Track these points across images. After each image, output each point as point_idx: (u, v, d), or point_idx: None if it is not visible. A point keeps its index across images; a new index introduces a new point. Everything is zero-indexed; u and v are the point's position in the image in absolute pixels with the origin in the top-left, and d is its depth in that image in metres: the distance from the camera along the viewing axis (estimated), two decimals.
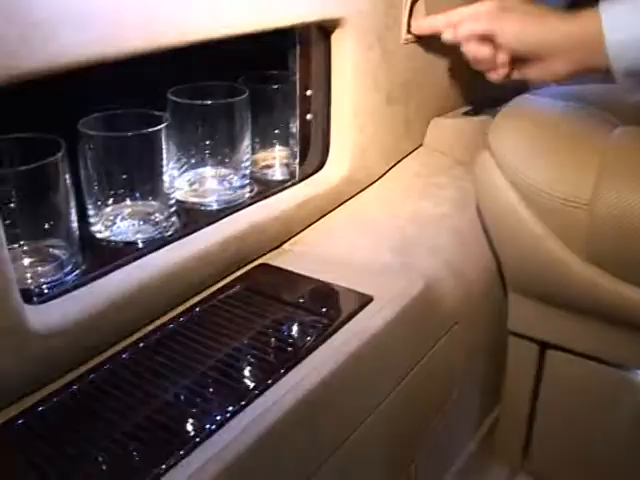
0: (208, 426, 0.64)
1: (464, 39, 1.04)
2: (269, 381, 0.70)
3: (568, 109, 1.10)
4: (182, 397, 0.68)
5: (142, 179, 0.86)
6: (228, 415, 0.65)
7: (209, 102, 0.93)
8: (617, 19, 0.88)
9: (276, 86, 1.05)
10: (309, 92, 1.02)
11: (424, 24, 1.11)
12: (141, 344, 0.76)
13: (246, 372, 0.72)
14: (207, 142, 0.96)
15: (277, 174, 1.08)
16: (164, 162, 0.87)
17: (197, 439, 0.62)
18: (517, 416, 1.19)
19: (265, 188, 1.01)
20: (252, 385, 0.69)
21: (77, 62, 0.65)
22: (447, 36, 1.07)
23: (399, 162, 1.22)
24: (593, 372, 1.09)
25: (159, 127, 0.84)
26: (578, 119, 1.06)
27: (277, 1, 0.86)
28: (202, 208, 0.95)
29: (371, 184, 1.15)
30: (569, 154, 0.98)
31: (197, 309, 0.83)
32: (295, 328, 0.80)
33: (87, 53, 0.65)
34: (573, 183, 0.94)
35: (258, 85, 1.03)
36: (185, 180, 0.97)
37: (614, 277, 0.95)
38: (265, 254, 0.96)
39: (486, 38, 1.01)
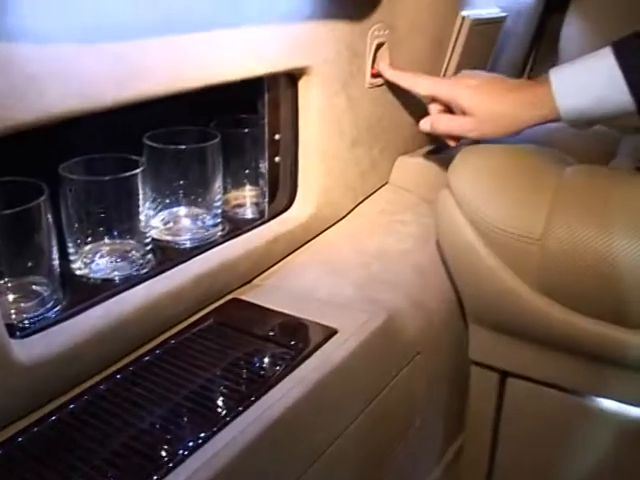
0: (181, 451, 0.67)
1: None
2: (240, 408, 0.74)
3: (525, 148, 1.14)
4: (157, 425, 0.71)
5: (120, 219, 0.90)
6: (200, 441, 0.69)
7: (182, 147, 0.97)
8: (565, 83, 1.00)
9: (246, 130, 1.09)
10: (277, 136, 1.06)
11: (389, 73, 1.19)
12: (119, 375, 0.79)
13: (218, 401, 0.76)
14: (181, 183, 1.00)
15: (248, 213, 1.12)
16: (140, 203, 0.91)
17: (170, 464, 0.66)
18: (480, 444, 1.21)
19: (236, 226, 1.05)
20: (224, 412, 0.73)
21: (66, 113, 0.69)
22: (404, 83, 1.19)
23: (365, 200, 1.27)
24: (551, 399, 1.12)
25: (135, 172, 0.88)
26: (533, 158, 1.10)
27: (249, 53, 0.91)
28: (176, 246, 0.98)
29: (337, 221, 1.20)
30: (523, 192, 1.02)
31: (172, 342, 0.86)
32: (265, 359, 0.83)
33: (75, 105, 0.70)
34: (526, 219, 0.98)
35: (229, 129, 1.07)
36: (160, 219, 1.01)
37: (565, 307, 0.99)
38: (236, 289, 0.99)
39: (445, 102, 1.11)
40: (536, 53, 2.01)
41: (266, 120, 1.04)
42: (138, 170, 0.89)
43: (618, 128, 1.51)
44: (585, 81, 1.00)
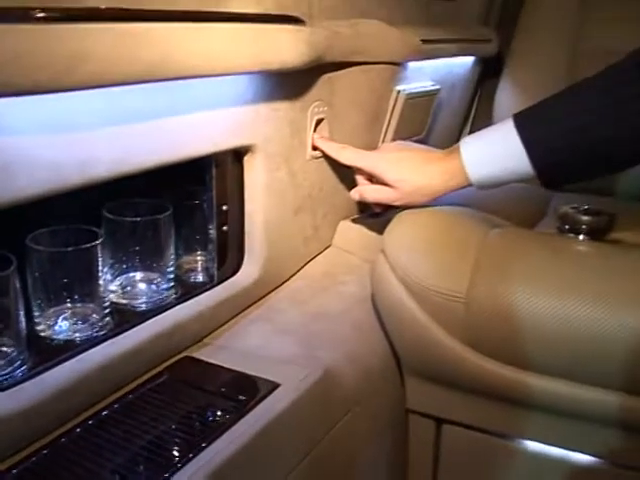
0: None
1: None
2: (190, 455, 0.81)
3: (453, 212, 1.23)
4: (116, 473, 0.78)
5: (81, 285, 0.97)
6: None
7: (138, 219, 1.06)
8: (474, 155, 1.12)
9: (196, 201, 1.18)
10: (225, 207, 1.13)
11: (318, 142, 1.28)
12: (79, 429, 0.86)
13: (171, 449, 0.82)
14: (137, 250, 1.07)
15: (199, 277, 1.20)
16: (99, 269, 0.98)
17: None
18: None
19: (188, 290, 1.12)
20: (176, 459, 0.80)
21: (34, 196, 0.78)
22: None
23: (309, 262, 1.35)
24: (483, 443, 1.19)
25: (95, 243, 0.97)
26: (460, 222, 1.19)
27: (196, 136, 0.99)
28: (133, 308, 1.05)
29: (282, 284, 1.27)
30: (449, 254, 1.11)
31: (129, 397, 0.93)
32: (214, 412, 0.90)
33: (42, 188, 0.79)
34: (452, 280, 1.07)
35: (181, 200, 1.16)
36: (118, 284, 1.08)
37: (489, 358, 1.07)
38: (188, 347, 1.05)
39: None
40: (473, 118, 2.12)
41: (214, 193, 1.12)
42: (97, 242, 0.97)
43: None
44: (491, 153, 1.10)
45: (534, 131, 1.06)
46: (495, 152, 1.10)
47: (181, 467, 0.79)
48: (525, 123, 1.07)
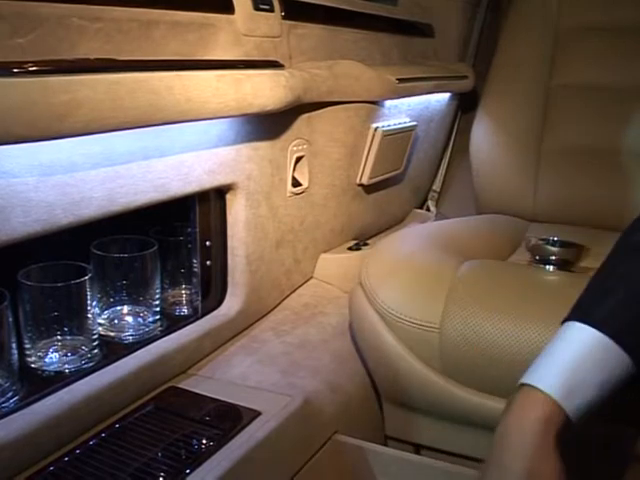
0: None
1: None
2: (179, 477, 0.85)
3: (428, 245, 1.28)
4: None
5: (70, 318, 1.01)
6: None
7: (125, 255, 1.10)
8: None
9: (181, 238, 1.22)
10: (208, 243, 1.17)
11: None
12: (67, 458, 0.89)
13: (157, 476, 0.86)
14: (124, 284, 1.11)
15: (184, 310, 1.23)
16: (88, 303, 1.02)
17: None
18: None
19: (173, 322, 1.16)
20: None
21: (26, 235, 0.82)
22: None
23: (290, 294, 1.39)
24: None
25: (84, 279, 1.00)
26: (434, 255, 1.24)
27: (179, 176, 1.04)
28: (120, 341, 1.09)
29: (264, 315, 1.31)
30: (423, 286, 1.15)
31: (117, 426, 0.96)
32: (198, 439, 0.93)
33: (33, 228, 0.83)
34: (426, 311, 1.11)
35: (166, 237, 1.20)
36: (106, 317, 1.12)
37: (464, 386, 1.10)
38: (173, 378, 1.09)
39: None
40: (451, 151, 2.16)
41: (198, 229, 1.16)
42: (86, 277, 1.01)
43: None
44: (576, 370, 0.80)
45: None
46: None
47: None
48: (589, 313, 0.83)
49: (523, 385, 0.80)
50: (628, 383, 0.80)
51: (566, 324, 0.83)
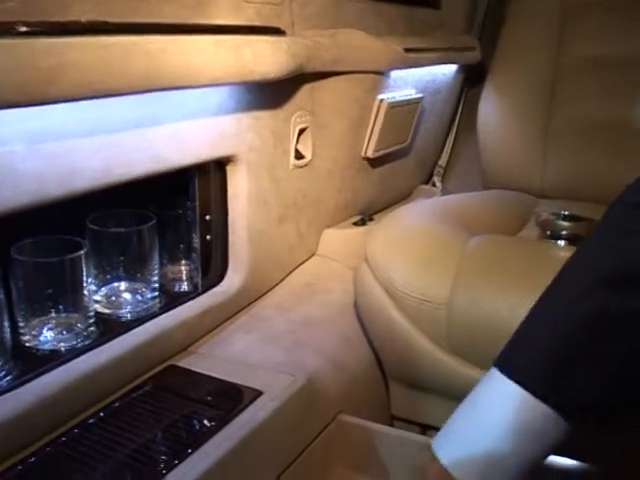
0: None
1: None
2: (175, 462, 0.82)
3: (435, 220, 1.25)
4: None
5: (65, 295, 0.98)
6: None
7: (122, 229, 1.06)
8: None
9: (180, 211, 1.19)
10: (208, 217, 1.14)
11: None
12: (64, 438, 0.86)
13: (156, 457, 0.83)
14: (121, 260, 1.08)
15: (184, 286, 1.20)
16: (84, 279, 0.99)
17: None
18: None
19: (173, 299, 1.13)
20: (161, 466, 0.81)
21: (16, 208, 0.79)
22: None
23: (293, 271, 1.36)
24: None
25: (79, 253, 0.97)
26: (441, 230, 1.21)
27: (177, 147, 1.00)
28: (118, 318, 1.06)
29: (267, 292, 1.28)
30: (432, 261, 1.12)
31: (114, 406, 0.93)
32: (197, 420, 0.91)
33: (24, 200, 0.80)
34: (433, 286, 1.09)
35: (165, 210, 1.17)
36: (103, 294, 1.09)
37: (473, 365, 1.08)
38: (173, 356, 1.06)
39: None
40: (458, 124, 2.13)
41: (197, 202, 1.13)
42: (81, 252, 0.97)
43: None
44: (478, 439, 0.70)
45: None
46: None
47: (166, 474, 0.80)
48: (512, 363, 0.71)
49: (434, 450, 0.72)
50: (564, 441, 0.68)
51: (491, 369, 0.72)
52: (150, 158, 0.96)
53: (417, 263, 1.13)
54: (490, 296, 1.05)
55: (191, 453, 0.84)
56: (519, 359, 0.69)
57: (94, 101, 0.80)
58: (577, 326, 0.67)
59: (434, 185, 2.07)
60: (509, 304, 1.03)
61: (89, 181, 0.88)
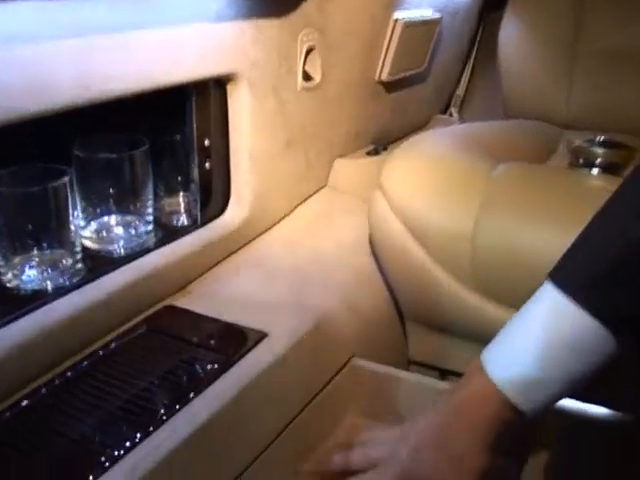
0: (117, 452, 0.68)
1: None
2: (176, 407, 0.75)
3: (457, 148, 1.17)
4: (90, 433, 0.71)
5: (48, 229, 0.90)
6: (137, 440, 0.69)
7: (112, 155, 0.97)
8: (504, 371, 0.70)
9: (177, 136, 1.09)
10: (207, 142, 1.06)
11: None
12: (52, 383, 0.79)
13: (152, 404, 0.76)
14: (111, 191, 0.99)
15: (183, 220, 1.12)
16: (69, 212, 0.90)
17: (107, 464, 0.66)
18: None
19: (170, 234, 1.05)
20: (161, 412, 0.74)
21: None
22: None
23: (302, 203, 1.29)
24: None
25: (63, 181, 0.88)
26: (464, 157, 1.13)
27: (171, 54, 0.91)
28: (109, 255, 0.98)
29: (273, 226, 1.21)
30: (454, 191, 1.06)
31: (104, 351, 0.86)
32: (197, 364, 0.84)
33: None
34: (457, 218, 1.02)
35: (160, 136, 1.07)
36: (92, 228, 1.00)
37: (498, 304, 1.02)
38: (169, 296, 0.99)
39: None
40: (477, 52, 2.03)
41: (194, 126, 1.04)
42: (65, 179, 0.88)
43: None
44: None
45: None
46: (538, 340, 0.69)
47: (166, 420, 0.73)
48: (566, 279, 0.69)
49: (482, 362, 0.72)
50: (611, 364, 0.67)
51: (544, 283, 0.70)
52: (135, 72, 0.87)
53: (439, 192, 1.07)
54: (519, 228, 0.99)
55: (192, 398, 0.77)
56: (572, 273, 0.69)
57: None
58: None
59: (451, 115, 1.98)
60: (540, 237, 0.97)
61: (67, 97, 0.79)
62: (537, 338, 0.68)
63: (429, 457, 0.72)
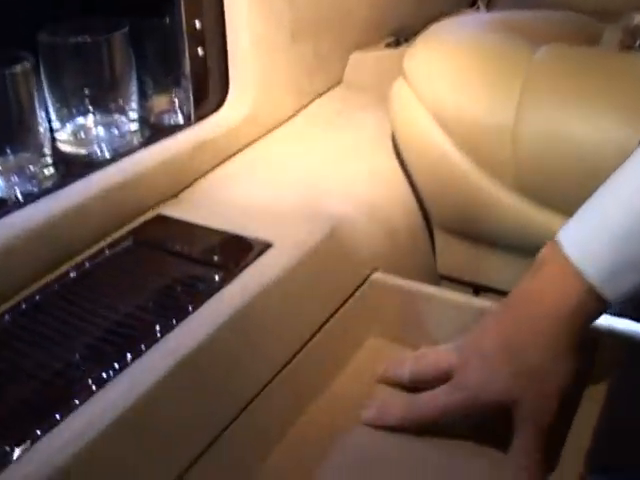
0: (105, 374, 0.61)
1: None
2: (174, 321, 0.68)
3: (489, 30, 1.09)
4: (74, 357, 0.64)
5: (10, 130, 0.81)
6: (129, 360, 0.63)
7: (85, 39, 0.86)
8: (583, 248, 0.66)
9: (163, 18, 0.97)
10: (198, 24, 0.96)
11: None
12: (7, 316, 0.70)
13: (146, 323, 0.68)
14: (87, 85, 0.89)
15: (176, 119, 1.03)
16: (36, 111, 0.81)
17: (93, 387, 0.60)
18: None
19: (157, 132, 0.97)
20: (157, 328, 0.67)
21: None
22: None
23: (314, 100, 1.20)
24: None
25: (23, 66, 0.77)
26: (498, 42, 1.04)
27: None
28: (88, 158, 0.90)
29: (281, 124, 1.12)
30: (490, 75, 0.98)
31: (86, 266, 0.78)
32: (192, 280, 0.76)
33: None
34: (495, 108, 0.95)
35: (140, 16, 0.95)
36: (68, 130, 0.91)
37: (544, 208, 0.94)
38: (159, 204, 0.91)
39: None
40: None
41: (182, 3, 0.94)
42: (26, 65, 0.77)
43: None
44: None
45: None
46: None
47: (162, 336, 0.66)
48: None
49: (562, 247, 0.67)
50: None
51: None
52: None
53: (472, 78, 0.98)
54: (569, 116, 0.90)
55: (191, 313, 0.69)
56: None
57: None
58: None
59: (478, 9, 1.86)
60: (595, 127, 0.88)
61: None
62: (622, 211, 0.64)
63: (502, 370, 0.67)
